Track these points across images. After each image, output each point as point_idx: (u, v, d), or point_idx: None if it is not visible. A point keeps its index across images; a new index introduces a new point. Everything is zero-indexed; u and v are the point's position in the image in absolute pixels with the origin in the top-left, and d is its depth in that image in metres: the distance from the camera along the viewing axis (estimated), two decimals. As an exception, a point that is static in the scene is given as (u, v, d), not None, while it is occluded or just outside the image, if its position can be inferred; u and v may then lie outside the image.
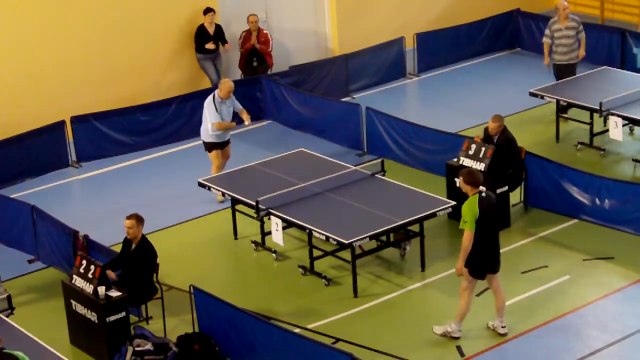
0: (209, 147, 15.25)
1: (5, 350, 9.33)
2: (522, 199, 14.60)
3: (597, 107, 15.62)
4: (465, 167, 14.01)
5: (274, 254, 13.81)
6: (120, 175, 16.78)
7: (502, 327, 11.77)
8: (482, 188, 11.38)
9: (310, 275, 13.29)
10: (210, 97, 15.10)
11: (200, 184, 14.28)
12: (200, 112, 17.90)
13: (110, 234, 13.95)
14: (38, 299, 13.18)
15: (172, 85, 18.78)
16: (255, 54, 18.87)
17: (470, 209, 11.22)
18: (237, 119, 15.50)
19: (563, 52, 17.33)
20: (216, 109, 14.98)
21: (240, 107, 15.41)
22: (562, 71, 17.38)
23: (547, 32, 17.46)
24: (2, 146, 16.48)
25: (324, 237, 12.60)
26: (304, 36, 20.41)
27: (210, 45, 18.59)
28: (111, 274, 11.80)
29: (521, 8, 21.34)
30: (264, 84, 18.31)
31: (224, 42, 18.78)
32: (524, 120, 17.57)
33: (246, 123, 15.34)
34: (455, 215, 13.21)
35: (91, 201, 16.16)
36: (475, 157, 13.93)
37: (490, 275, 11.59)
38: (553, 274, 12.94)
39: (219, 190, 14.00)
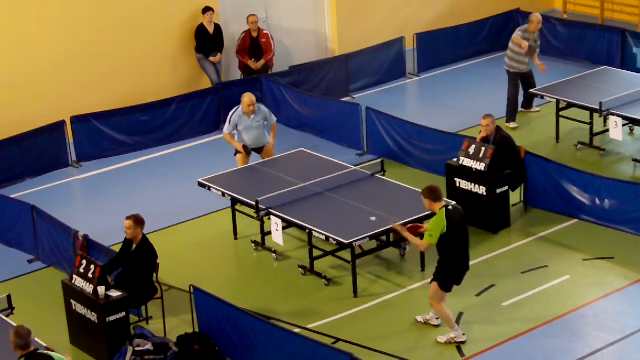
0: (235, 149, 15.22)
1: (39, 351, 9.26)
2: (522, 199, 14.60)
3: (597, 107, 15.62)
4: (465, 167, 14.04)
5: (274, 254, 13.81)
6: (120, 175, 16.78)
7: (437, 318, 11.91)
8: (451, 202, 11.57)
9: (310, 275, 13.29)
10: (234, 109, 15.00)
11: (200, 184, 14.28)
12: (199, 112, 17.97)
13: (110, 234, 13.95)
14: (38, 299, 13.18)
15: (172, 85, 18.78)
16: (255, 51, 18.85)
17: (438, 223, 11.25)
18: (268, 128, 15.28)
19: (526, 62, 17.33)
20: (230, 120, 14.93)
21: (273, 121, 15.14)
22: (527, 76, 17.35)
23: (524, 34, 17.25)
24: (2, 146, 16.48)
25: (324, 237, 12.59)
26: (304, 36, 20.42)
27: (215, 59, 18.60)
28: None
29: (521, 8, 21.35)
30: (264, 84, 18.31)
31: (221, 46, 18.77)
32: (524, 120, 17.58)
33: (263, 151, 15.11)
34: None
35: (91, 201, 16.17)
36: (475, 157, 13.94)
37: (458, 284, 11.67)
38: (553, 274, 12.94)
39: (219, 190, 14.00)
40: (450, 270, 11.43)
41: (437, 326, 11.82)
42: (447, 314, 11.58)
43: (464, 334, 11.66)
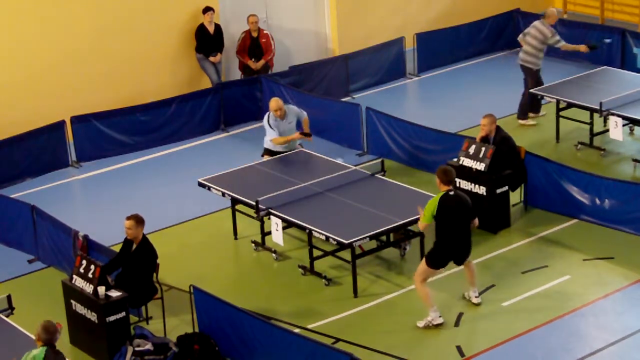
0: (265, 152, 15.05)
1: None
2: (522, 199, 14.60)
3: (597, 107, 15.61)
4: (465, 167, 14.04)
5: (274, 254, 13.81)
6: (120, 175, 16.78)
7: (476, 297, 12.25)
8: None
9: (310, 275, 13.29)
10: (265, 116, 14.77)
11: (200, 184, 14.28)
12: (199, 112, 17.98)
13: (110, 234, 13.95)
14: (38, 299, 13.18)
15: (172, 85, 18.78)
16: (255, 51, 18.86)
17: (430, 204, 11.64)
18: (299, 128, 15.05)
19: (541, 58, 17.32)
20: (271, 126, 14.72)
21: (304, 116, 14.89)
22: (539, 75, 17.30)
23: (548, 28, 17.25)
24: (2, 146, 16.48)
25: (324, 237, 12.59)
26: (304, 36, 20.42)
27: (215, 59, 18.62)
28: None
29: (521, 8, 21.35)
30: (264, 84, 18.31)
31: (221, 46, 18.77)
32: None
33: (302, 138, 14.92)
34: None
35: (91, 201, 16.17)
36: (475, 157, 13.94)
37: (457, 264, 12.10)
38: (553, 274, 12.94)
39: (219, 190, 13.99)
40: (438, 251, 11.78)
41: (441, 324, 11.89)
42: (425, 293, 11.86)
43: (440, 316, 11.88)
